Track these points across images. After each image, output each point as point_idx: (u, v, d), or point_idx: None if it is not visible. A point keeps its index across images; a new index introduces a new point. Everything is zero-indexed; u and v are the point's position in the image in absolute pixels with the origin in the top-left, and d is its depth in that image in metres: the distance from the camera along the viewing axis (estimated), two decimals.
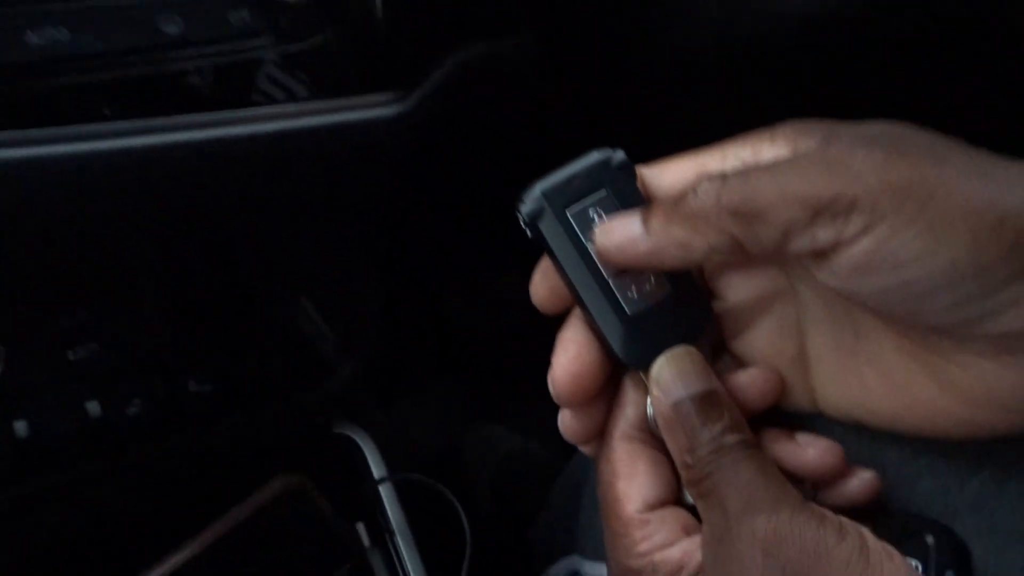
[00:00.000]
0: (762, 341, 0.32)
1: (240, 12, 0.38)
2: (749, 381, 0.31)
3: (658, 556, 0.28)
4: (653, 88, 0.64)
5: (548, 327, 0.32)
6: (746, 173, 0.27)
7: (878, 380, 0.29)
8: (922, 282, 0.25)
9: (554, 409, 0.31)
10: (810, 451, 0.29)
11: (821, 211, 0.25)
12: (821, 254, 0.26)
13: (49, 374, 0.49)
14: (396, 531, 0.54)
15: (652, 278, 0.30)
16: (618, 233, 0.29)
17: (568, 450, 0.55)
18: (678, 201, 0.28)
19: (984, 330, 0.25)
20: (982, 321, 0.25)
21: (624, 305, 0.30)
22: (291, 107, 0.40)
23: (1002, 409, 0.26)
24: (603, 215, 0.30)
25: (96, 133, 0.36)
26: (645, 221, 0.28)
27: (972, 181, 0.25)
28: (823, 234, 0.26)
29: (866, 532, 0.26)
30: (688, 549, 0.28)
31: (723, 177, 0.27)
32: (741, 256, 0.28)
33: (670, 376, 0.29)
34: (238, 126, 0.38)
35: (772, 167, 0.27)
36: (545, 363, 0.31)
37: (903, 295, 0.25)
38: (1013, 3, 0.57)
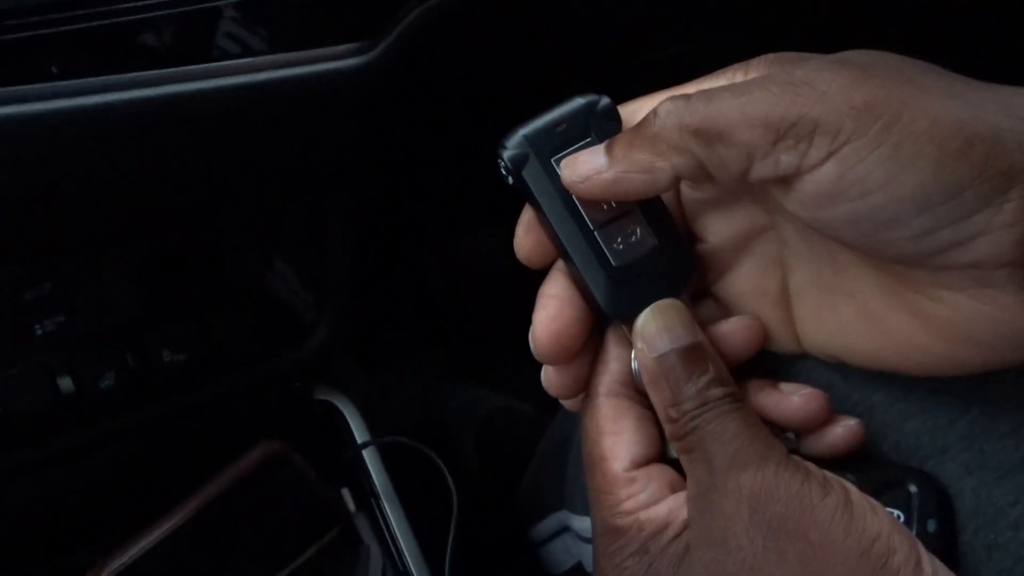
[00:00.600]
0: (745, 280, 0.31)
1: None
2: (731, 330, 0.30)
3: (643, 514, 0.28)
4: (624, 30, 0.63)
5: (527, 283, 0.32)
6: (709, 94, 0.26)
7: (856, 316, 0.29)
8: (890, 208, 0.24)
9: (536, 366, 0.31)
10: (794, 399, 0.29)
11: (784, 134, 0.25)
12: (786, 181, 0.26)
13: (17, 350, 0.48)
14: (381, 494, 0.54)
15: (638, 229, 0.29)
16: (582, 164, 0.28)
17: (552, 407, 0.55)
18: (640, 125, 0.27)
19: (956, 259, 0.25)
20: (953, 250, 0.24)
21: (610, 256, 0.29)
22: (255, 60, 0.38)
23: (979, 345, 0.26)
24: None
25: (45, 92, 0.34)
26: (608, 150, 0.28)
27: (941, 102, 0.24)
28: (786, 158, 0.25)
29: (850, 486, 0.26)
30: (673, 507, 0.28)
31: (685, 98, 0.26)
32: (706, 179, 0.27)
33: (655, 329, 0.28)
34: (197, 82, 0.37)
35: (736, 88, 0.26)
36: (525, 320, 0.30)
37: (872, 223, 0.25)
38: None
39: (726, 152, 0.26)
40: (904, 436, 0.30)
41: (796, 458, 0.26)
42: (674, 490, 0.28)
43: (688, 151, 0.26)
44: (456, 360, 0.96)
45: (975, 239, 0.24)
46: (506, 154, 0.29)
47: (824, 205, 0.25)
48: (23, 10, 0.34)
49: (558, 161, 0.29)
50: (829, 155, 0.24)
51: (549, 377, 0.31)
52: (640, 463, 0.29)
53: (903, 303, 0.27)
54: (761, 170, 0.26)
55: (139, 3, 0.36)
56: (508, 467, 0.78)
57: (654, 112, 0.27)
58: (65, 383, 0.49)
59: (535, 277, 0.31)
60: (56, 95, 0.35)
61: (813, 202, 0.25)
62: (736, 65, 0.28)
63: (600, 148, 0.28)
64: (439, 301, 0.98)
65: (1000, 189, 0.23)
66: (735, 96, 0.26)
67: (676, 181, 0.28)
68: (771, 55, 0.28)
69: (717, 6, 0.63)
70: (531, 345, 0.29)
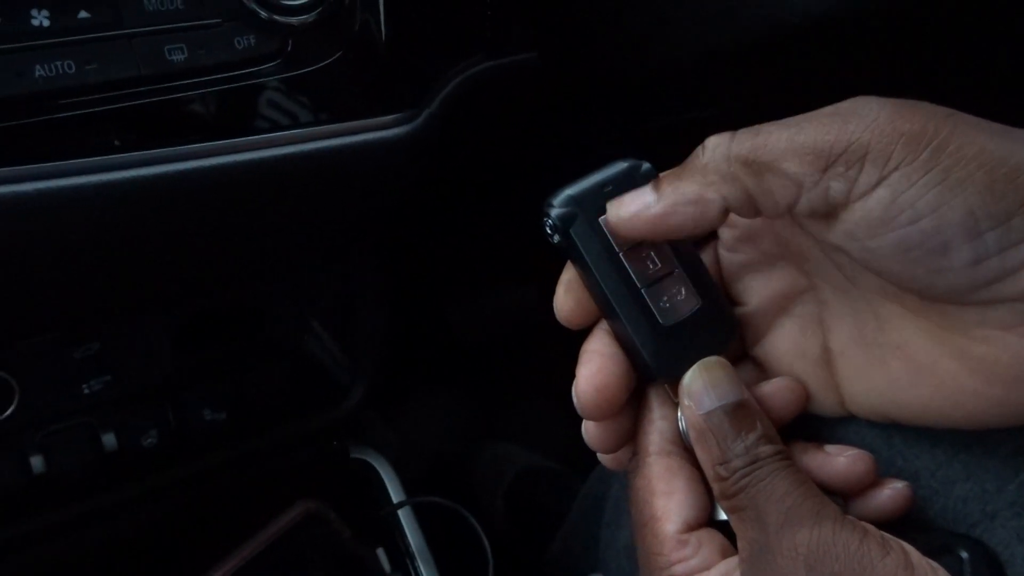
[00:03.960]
0: (785, 342, 0.31)
1: (246, 38, 0.38)
2: (772, 391, 0.30)
3: None
4: (653, 95, 0.65)
5: (550, 338, 0.32)
6: (756, 128, 0.27)
7: (904, 368, 0.28)
8: (940, 234, 0.24)
9: (565, 424, 0.31)
10: (840, 460, 0.29)
11: (833, 161, 0.25)
12: (834, 211, 0.26)
13: (64, 408, 0.49)
14: (416, 555, 0.54)
15: (683, 289, 0.30)
16: (628, 202, 0.28)
17: (583, 467, 0.54)
18: (688, 160, 0.28)
19: (1004, 292, 0.25)
20: (1001, 281, 0.24)
21: (657, 315, 0.29)
22: (301, 131, 0.40)
23: None
24: None
25: (107, 165, 0.36)
26: (655, 186, 0.28)
27: (986, 132, 0.25)
28: (836, 186, 0.25)
29: (908, 547, 0.25)
30: (725, 571, 0.27)
31: (731, 133, 0.27)
32: (752, 213, 0.27)
33: (701, 386, 0.28)
34: (249, 152, 0.38)
35: (782, 121, 0.26)
36: (550, 378, 0.30)
37: (923, 251, 0.25)
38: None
39: (775, 182, 0.26)
40: (951, 502, 0.30)
41: (851, 517, 0.26)
42: (725, 555, 0.28)
43: (737, 180, 0.26)
44: (481, 412, 0.96)
45: (1023, 269, 0.24)
46: (554, 212, 0.29)
47: (875, 233, 0.25)
48: (85, 88, 0.36)
49: (605, 221, 0.29)
50: (880, 181, 0.25)
51: (590, 432, 0.31)
52: (692, 526, 0.28)
53: (951, 349, 0.27)
54: (811, 200, 0.26)
55: (192, 80, 0.37)
56: (538, 527, 0.77)
57: (701, 146, 0.27)
58: (109, 440, 0.50)
59: (558, 335, 0.31)
60: (114, 167, 0.36)
61: (864, 231, 0.25)
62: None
63: (646, 187, 0.28)
64: (464, 355, 0.98)
65: None
66: (783, 127, 0.26)
67: (724, 215, 0.27)
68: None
69: (734, 78, 0.64)
70: (574, 399, 0.29)
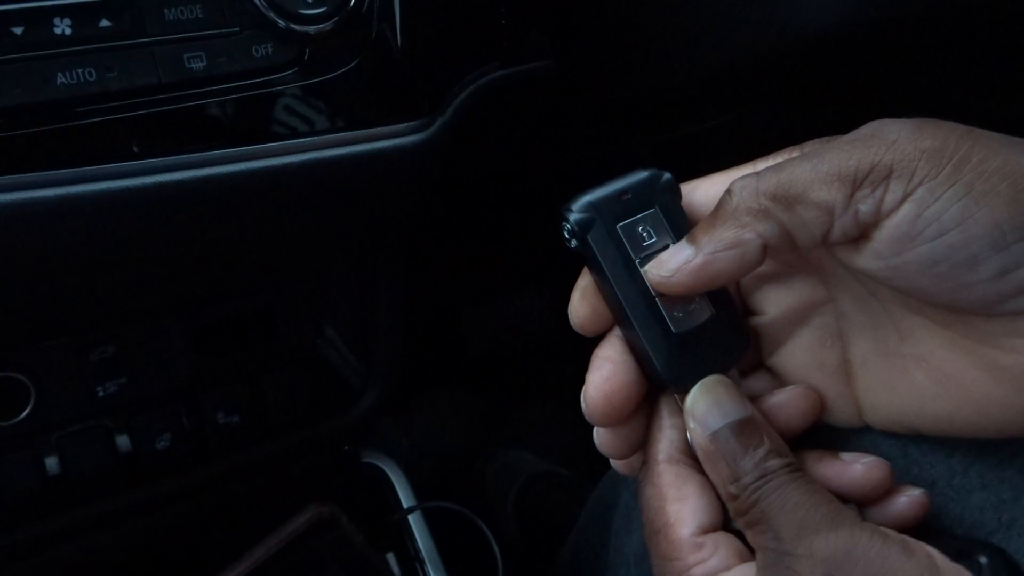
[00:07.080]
0: (803, 353, 0.31)
1: (263, 47, 0.38)
2: (787, 400, 0.30)
3: None
4: (666, 106, 0.65)
5: (564, 346, 0.32)
6: (777, 165, 0.27)
7: (928, 379, 0.28)
8: (967, 247, 0.25)
9: (575, 431, 0.31)
10: (856, 467, 0.29)
11: (860, 183, 0.25)
12: (864, 234, 0.26)
13: (79, 410, 0.50)
14: (426, 560, 0.54)
15: (697, 298, 0.30)
16: (668, 260, 0.28)
17: (593, 473, 0.55)
18: (717, 207, 0.28)
19: None
20: None
21: (670, 323, 0.29)
22: (316, 139, 0.40)
23: None
24: (653, 233, 0.30)
25: (127, 171, 0.36)
26: (690, 239, 0.28)
27: (1005, 147, 0.25)
28: (864, 208, 0.26)
29: (932, 550, 0.25)
30: (744, 575, 0.27)
31: (755, 173, 0.27)
32: (790, 248, 0.27)
33: (704, 407, 0.28)
34: (266, 159, 0.39)
35: (803, 155, 0.27)
36: (562, 383, 0.30)
37: (949, 265, 0.25)
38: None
39: (807, 213, 0.26)
40: (968, 511, 0.30)
41: (869, 522, 0.26)
42: (742, 557, 0.28)
43: (771, 216, 0.27)
44: (492, 420, 0.96)
45: None
46: (572, 217, 0.29)
47: (901, 249, 0.26)
48: (106, 95, 0.36)
49: (623, 228, 0.29)
50: (905, 197, 0.25)
51: (601, 436, 0.31)
52: (707, 529, 0.28)
53: (977, 360, 0.27)
54: (842, 225, 0.26)
55: (210, 87, 0.38)
56: (548, 533, 0.78)
57: (728, 191, 0.28)
58: (123, 442, 0.51)
59: (568, 339, 0.31)
60: (134, 174, 0.37)
61: (889, 248, 0.26)
62: (788, 148, 0.29)
63: (681, 242, 0.28)
64: (475, 360, 0.99)
65: None
66: (805, 160, 0.26)
67: (764, 254, 0.27)
68: (822, 138, 0.29)
69: (747, 88, 0.65)
70: (583, 405, 0.29)
